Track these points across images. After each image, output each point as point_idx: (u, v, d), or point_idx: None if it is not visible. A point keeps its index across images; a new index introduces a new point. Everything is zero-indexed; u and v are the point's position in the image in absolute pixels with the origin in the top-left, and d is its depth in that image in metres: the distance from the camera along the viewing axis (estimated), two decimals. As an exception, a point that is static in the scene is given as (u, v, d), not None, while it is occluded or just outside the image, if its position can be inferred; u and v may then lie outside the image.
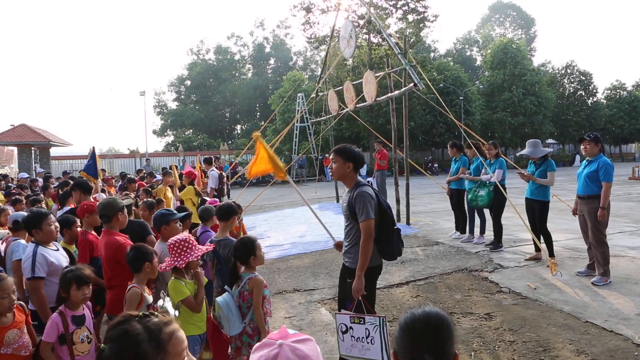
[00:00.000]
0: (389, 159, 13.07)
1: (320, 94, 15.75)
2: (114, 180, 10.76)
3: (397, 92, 10.16)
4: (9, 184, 11.09)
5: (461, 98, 31.94)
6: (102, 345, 1.33)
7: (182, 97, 47.63)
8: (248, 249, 3.60)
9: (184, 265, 3.37)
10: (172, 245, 3.45)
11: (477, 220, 8.44)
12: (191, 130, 46.00)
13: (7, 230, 5.09)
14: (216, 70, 46.36)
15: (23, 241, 4.51)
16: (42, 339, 3.00)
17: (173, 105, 47.76)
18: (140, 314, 1.37)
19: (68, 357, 3.03)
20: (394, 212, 10.52)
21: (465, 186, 8.49)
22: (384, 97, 10.86)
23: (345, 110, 13.05)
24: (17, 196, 7.56)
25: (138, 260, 3.43)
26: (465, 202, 8.54)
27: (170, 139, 46.07)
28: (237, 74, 48.62)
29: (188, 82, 47.02)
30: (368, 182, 3.78)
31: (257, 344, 1.40)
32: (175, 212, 4.39)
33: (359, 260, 3.45)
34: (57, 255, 3.77)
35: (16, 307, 2.99)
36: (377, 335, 3.24)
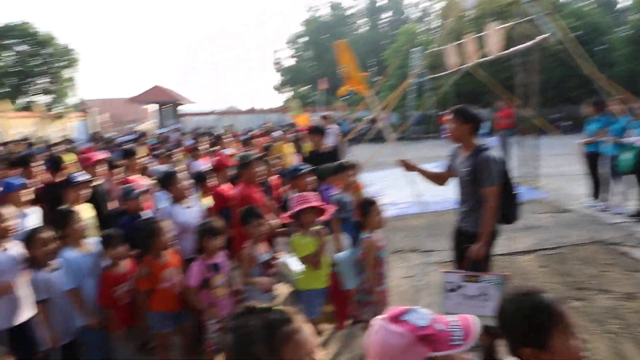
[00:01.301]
0: (514, 117, 12.15)
1: (438, 48, 14.94)
2: (238, 137, 11.39)
3: (527, 44, 9.25)
4: (149, 140, 12.32)
5: (603, 47, 28.18)
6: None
7: (299, 53, 48.53)
8: (362, 209, 3.66)
9: (293, 212, 3.53)
10: (293, 199, 3.63)
11: (619, 188, 7.53)
12: (308, 87, 46.91)
13: (153, 182, 5.67)
14: (331, 27, 46.24)
15: (162, 193, 4.99)
16: (186, 283, 3.39)
17: (291, 62, 48.98)
18: (264, 306, 1.25)
19: (209, 300, 3.40)
20: (518, 174, 9.89)
21: (604, 149, 7.57)
22: (510, 50, 9.94)
23: (465, 66, 12.27)
24: (157, 151, 8.33)
25: (245, 217, 3.66)
26: (606, 167, 7.63)
27: (289, 94, 47.56)
28: (351, 30, 48.02)
29: (305, 39, 47.65)
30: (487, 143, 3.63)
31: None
32: (302, 167, 4.56)
33: (484, 226, 3.38)
34: (188, 213, 4.13)
35: (172, 251, 3.43)
36: (494, 293, 3.19)
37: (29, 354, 3.14)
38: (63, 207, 3.47)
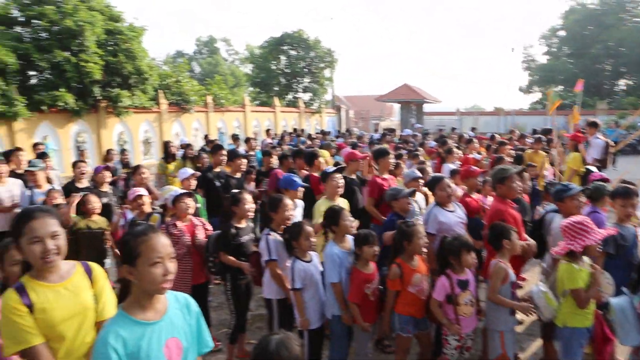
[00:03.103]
0: None
1: None
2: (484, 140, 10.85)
3: None
4: (395, 139, 12.75)
5: None
6: None
7: (554, 49, 43.70)
8: None
9: (581, 250, 3.07)
10: (566, 228, 3.20)
11: None
12: (562, 87, 41.87)
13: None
14: (599, 16, 39.96)
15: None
16: (432, 295, 3.35)
17: (543, 59, 44.53)
18: None
19: (453, 315, 3.29)
20: None
21: None
22: None
23: None
24: (401, 151, 8.49)
25: (496, 238, 3.43)
26: None
27: (537, 96, 43.40)
28: (626, 17, 40.57)
29: (562, 33, 42.63)
30: None
31: None
32: (569, 187, 3.99)
33: None
34: (449, 215, 4.09)
35: (421, 257, 3.48)
36: None
37: (286, 327, 3.58)
38: (335, 205, 3.79)
